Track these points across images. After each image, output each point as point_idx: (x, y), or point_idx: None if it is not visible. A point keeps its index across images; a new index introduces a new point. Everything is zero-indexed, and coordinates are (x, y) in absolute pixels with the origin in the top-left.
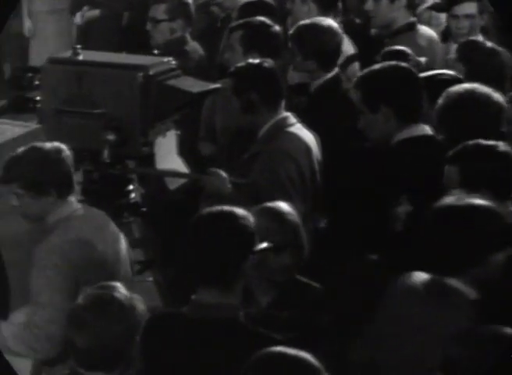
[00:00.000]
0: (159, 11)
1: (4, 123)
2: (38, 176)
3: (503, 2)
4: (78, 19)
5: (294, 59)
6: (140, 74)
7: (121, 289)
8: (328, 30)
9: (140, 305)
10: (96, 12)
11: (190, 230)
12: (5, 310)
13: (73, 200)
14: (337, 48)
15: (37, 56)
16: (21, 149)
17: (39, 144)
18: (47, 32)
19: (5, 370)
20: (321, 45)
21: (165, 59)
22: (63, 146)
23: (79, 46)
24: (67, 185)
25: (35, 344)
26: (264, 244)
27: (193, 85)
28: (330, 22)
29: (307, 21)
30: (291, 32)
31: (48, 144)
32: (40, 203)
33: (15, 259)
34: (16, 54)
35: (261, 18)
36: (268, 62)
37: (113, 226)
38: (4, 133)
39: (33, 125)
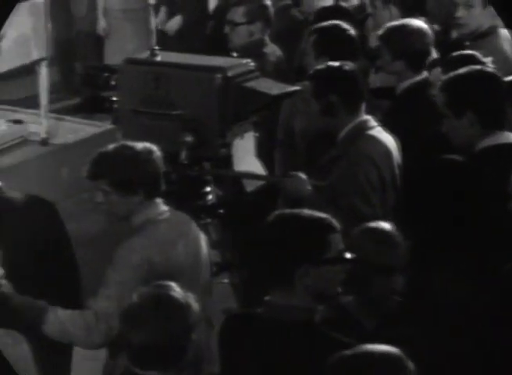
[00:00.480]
0: (238, 14)
1: (76, 122)
2: (128, 174)
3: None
4: (158, 20)
5: (383, 60)
6: (219, 76)
7: (177, 288)
8: (417, 30)
9: (196, 304)
10: (178, 19)
11: (259, 231)
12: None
13: (160, 201)
14: (426, 49)
15: (112, 55)
16: (111, 146)
17: (130, 142)
18: (122, 31)
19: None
20: (409, 45)
21: (244, 61)
22: (154, 147)
23: (156, 47)
24: (155, 186)
25: (95, 334)
26: (348, 255)
27: (271, 87)
28: (419, 23)
29: (396, 22)
30: (380, 33)
31: (140, 144)
32: (127, 202)
33: (89, 258)
34: (87, 52)
35: (335, 22)
36: (349, 65)
37: (196, 230)
38: (76, 132)
39: (106, 125)
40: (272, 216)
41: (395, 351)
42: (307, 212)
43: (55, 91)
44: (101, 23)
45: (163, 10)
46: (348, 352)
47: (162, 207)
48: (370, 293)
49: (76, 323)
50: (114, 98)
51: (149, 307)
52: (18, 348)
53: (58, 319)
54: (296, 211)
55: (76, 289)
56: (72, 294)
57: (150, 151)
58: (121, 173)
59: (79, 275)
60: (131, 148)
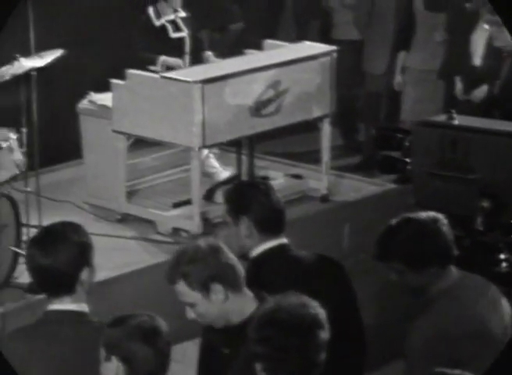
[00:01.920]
0: None
1: (358, 180)
2: (420, 250)
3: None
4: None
5: None
6: None
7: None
8: None
9: None
10: (484, 88)
11: None
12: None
13: (453, 268)
14: None
15: (408, 114)
16: (394, 222)
17: (412, 215)
18: (418, 90)
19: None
20: None
21: None
22: (438, 215)
23: (453, 110)
24: (448, 254)
25: None
26: None
27: None
28: None
29: None
30: None
31: (423, 215)
32: (423, 276)
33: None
34: (377, 112)
35: None
36: None
37: (495, 290)
38: (358, 190)
39: (388, 185)
40: None
41: None
42: None
43: (336, 148)
44: (398, 79)
45: (458, 79)
46: None
47: (456, 273)
48: None
49: None
50: (406, 160)
51: None
52: None
53: None
54: None
55: (362, 349)
56: (358, 356)
57: (435, 220)
58: (413, 251)
59: (365, 337)
60: (417, 221)
